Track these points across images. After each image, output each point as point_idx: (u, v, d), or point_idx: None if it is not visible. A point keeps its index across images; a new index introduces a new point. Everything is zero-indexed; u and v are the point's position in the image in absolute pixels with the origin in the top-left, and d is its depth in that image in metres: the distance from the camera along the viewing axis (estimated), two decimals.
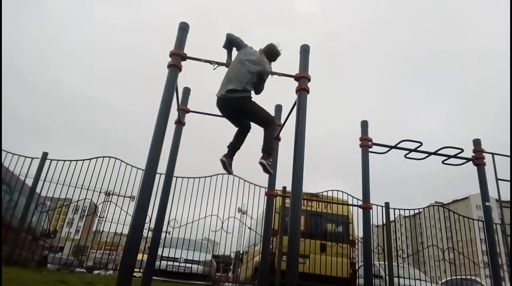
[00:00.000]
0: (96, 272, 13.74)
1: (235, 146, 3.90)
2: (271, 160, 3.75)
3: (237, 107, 3.67)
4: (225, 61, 3.92)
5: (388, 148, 5.22)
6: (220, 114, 3.91)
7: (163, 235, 5.76)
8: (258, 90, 3.88)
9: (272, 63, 3.98)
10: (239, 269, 11.31)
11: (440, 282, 9.96)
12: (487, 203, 5.11)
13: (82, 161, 6.95)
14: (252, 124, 3.93)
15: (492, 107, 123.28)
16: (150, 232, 6.59)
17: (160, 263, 7.61)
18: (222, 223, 7.08)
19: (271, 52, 3.93)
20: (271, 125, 3.77)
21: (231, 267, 14.26)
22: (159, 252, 6.47)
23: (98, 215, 7.20)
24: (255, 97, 3.83)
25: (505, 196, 5.42)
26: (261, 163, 3.65)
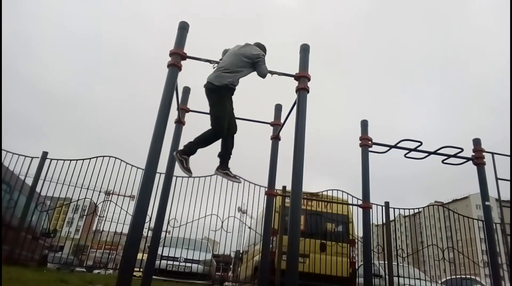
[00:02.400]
0: (96, 271, 13.77)
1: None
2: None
3: (208, 97, 3.77)
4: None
5: (388, 148, 5.23)
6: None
7: (163, 234, 5.76)
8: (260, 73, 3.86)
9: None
10: (239, 269, 11.31)
11: (440, 282, 9.96)
12: (487, 203, 5.11)
13: (82, 161, 6.95)
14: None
15: (491, 105, 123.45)
16: (150, 232, 6.59)
17: (160, 262, 7.62)
18: (222, 222, 7.08)
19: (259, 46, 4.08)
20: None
21: (231, 266, 14.27)
22: (159, 252, 6.47)
23: (98, 214, 7.20)
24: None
25: (505, 196, 5.42)
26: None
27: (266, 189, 5.02)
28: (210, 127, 3.67)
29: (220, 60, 3.97)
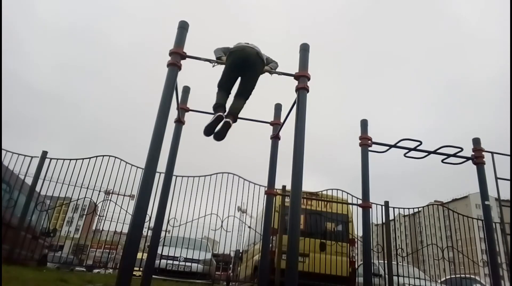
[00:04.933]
0: (96, 271, 13.75)
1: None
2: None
3: (256, 65, 3.91)
4: (224, 61, 3.94)
5: (387, 147, 5.23)
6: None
7: (162, 233, 5.76)
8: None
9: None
10: (239, 268, 11.32)
11: (439, 281, 9.97)
12: (486, 202, 5.11)
13: (81, 160, 6.95)
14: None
15: (489, 103, 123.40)
16: (149, 231, 6.59)
17: (160, 261, 7.62)
18: (222, 222, 7.08)
19: None
20: (247, 100, 4.05)
21: (231, 266, 14.27)
22: (159, 251, 6.47)
23: (98, 214, 7.20)
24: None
25: (505, 195, 5.43)
26: (228, 123, 3.79)
27: (266, 189, 5.02)
28: (244, 94, 3.98)
29: (218, 59, 3.96)
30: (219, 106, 3.90)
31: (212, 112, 3.94)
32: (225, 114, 3.84)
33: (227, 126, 3.77)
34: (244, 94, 4.00)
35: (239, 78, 4.01)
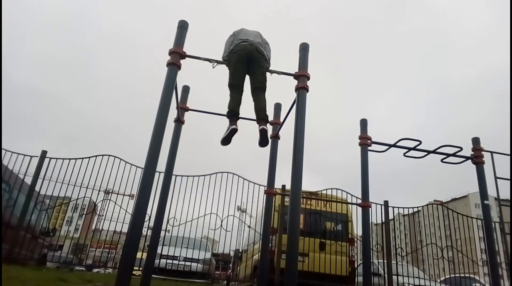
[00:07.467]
0: (95, 270, 13.74)
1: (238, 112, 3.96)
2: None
3: (259, 59, 3.93)
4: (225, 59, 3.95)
5: (387, 147, 5.23)
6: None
7: (162, 233, 5.76)
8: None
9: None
10: (239, 268, 11.32)
11: (439, 280, 9.98)
12: (486, 202, 5.12)
13: (81, 160, 6.95)
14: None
15: (488, 101, 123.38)
16: (149, 230, 6.59)
17: (159, 261, 7.62)
18: (222, 221, 7.09)
19: None
20: (265, 90, 3.99)
21: (231, 265, 14.28)
22: (159, 251, 6.47)
23: (98, 213, 7.20)
24: None
25: (504, 195, 5.43)
26: (264, 130, 3.78)
27: (266, 188, 5.02)
28: (259, 87, 3.93)
29: (224, 60, 3.96)
30: (232, 114, 3.83)
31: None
32: (256, 121, 3.85)
33: (265, 133, 3.79)
34: (260, 86, 3.94)
35: (248, 77, 3.99)
